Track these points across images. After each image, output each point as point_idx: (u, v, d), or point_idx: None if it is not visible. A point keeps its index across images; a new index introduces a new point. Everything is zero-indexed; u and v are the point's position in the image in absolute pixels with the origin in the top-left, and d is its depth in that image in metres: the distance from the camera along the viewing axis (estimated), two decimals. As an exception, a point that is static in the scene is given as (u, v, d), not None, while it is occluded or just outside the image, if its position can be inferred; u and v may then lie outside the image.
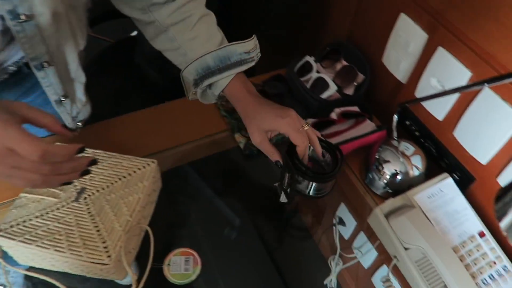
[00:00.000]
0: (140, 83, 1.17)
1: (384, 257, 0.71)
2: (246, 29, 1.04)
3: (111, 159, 0.68)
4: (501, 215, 0.38)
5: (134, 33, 1.27)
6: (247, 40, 0.68)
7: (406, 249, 0.64)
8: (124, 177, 0.66)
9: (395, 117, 0.79)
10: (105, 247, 0.57)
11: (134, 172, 0.67)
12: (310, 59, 0.92)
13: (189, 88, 0.72)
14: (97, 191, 0.64)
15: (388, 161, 0.75)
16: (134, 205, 0.63)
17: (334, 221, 0.75)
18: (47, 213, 0.61)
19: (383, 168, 0.75)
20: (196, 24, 0.67)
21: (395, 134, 0.79)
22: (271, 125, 0.62)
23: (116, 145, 0.79)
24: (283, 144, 0.69)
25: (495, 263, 0.66)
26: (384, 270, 0.70)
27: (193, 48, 0.67)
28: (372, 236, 0.73)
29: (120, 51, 1.31)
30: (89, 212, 0.62)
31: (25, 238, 0.57)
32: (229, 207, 0.77)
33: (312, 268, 0.72)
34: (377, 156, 0.76)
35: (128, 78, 1.15)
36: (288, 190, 0.66)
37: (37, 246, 0.57)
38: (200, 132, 0.84)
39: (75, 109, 0.70)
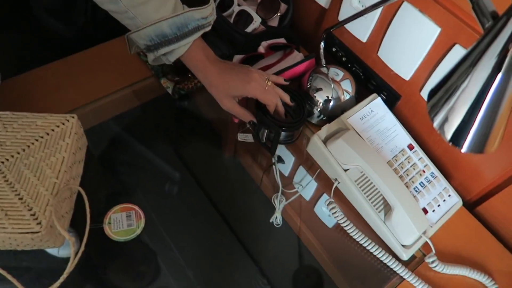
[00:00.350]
0: (43, 36, 1.04)
1: (324, 184, 0.73)
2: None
3: (21, 119, 0.60)
4: (434, 116, 0.39)
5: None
6: (205, 6, 0.64)
7: (345, 170, 0.66)
8: (42, 137, 0.59)
9: (322, 44, 0.79)
10: (33, 214, 0.52)
11: (53, 130, 0.60)
12: (229, -9, 0.87)
13: (133, 46, 0.67)
14: (12, 156, 0.57)
15: (320, 89, 0.75)
16: (59, 166, 0.57)
17: (273, 160, 0.75)
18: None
19: (316, 96, 0.75)
20: None
21: (323, 61, 0.79)
22: (238, 92, 0.65)
23: (26, 105, 0.71)
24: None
25: (424, 171, 0.70)
26: (324, 198, 0.72)
27: (143, 13, 0.60)
28: (311, 168, 0.75)
29: (13, 3, 1.14)
30: (6, 180, 0.55)
31: None
32: (164, 158, 0.74)
33: (256, 209, 0.72)
34: (308, 85, 0.76)
35: (28, 32, 1.02)
36: (270, 144, 0.71)
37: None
38: (121, 82, 0.77)
39: None
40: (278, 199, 0.70)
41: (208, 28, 0.66)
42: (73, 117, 0.62)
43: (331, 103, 0.74)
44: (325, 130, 0.69)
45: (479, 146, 0.38)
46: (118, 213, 0.63)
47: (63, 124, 0.61)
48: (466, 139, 0.38)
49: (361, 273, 0.66)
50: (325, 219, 0.70)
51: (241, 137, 0.76)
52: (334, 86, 0.74)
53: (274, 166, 0.74)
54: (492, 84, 0.36)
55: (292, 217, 0.70)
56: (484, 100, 0.37)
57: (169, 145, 0.77)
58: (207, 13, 0.65)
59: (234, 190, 0.74)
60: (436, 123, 0.39)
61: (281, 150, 0.76)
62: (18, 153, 0.58)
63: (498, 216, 0.69)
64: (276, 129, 0.68)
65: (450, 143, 0.39)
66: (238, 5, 0.85)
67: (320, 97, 0.75)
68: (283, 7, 0.87)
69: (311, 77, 0.76)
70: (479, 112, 0.38)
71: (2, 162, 0.56)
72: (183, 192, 0.71)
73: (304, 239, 0.68)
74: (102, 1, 0.60)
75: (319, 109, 0.75)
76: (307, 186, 0.73)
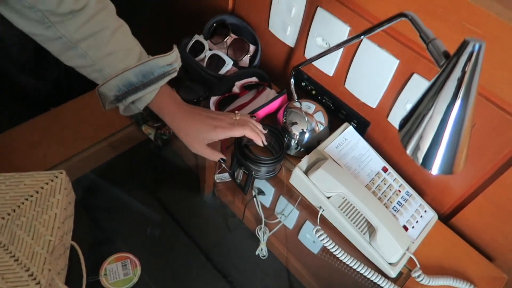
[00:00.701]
0: (14, 93, 1.05)
1: (307, 212, 0.76)
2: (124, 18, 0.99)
3: (8, 180, 0.61)
4: (406, 144, 0.44)
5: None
6: (169, 52, 0.67)
7: (328, 197, 0.70)
8: (31, 195, 0.60)
9: (292, 80, 0.84)
10: (31, 275, 0.52)
11: (42, 188, 0.61)
12: (199, 37, 0.92)
13: (106, 101, 0.68)
14: (2, 218, 0.57)
15: (295, 123, 0.79)
16: (52, 223, 0.57)
17: (253, 193, 0.77)
18: None
19: (292, 129, 0.79)
20: (111, 38, 0.61)
21: (295, 96, 0.84)
22: (207, 136, 0.68)
23: (8, 165, 0.71)
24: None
25: (400, 191, 0.75)
26: (308, 225, 0.75)
27: (110, 64, 0.62)
28: (292, 197, 0.78)
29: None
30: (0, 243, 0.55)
31: None
32: (149, 203, 0.74)
33: (241, 243, 0.73)
34: (284, 120, 0.80)
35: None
36: (245, 184, 0.74)
37: None
38: (102, 133, 0.79)
39: None
40: (262, 230, 0.72)
41: (174, 74, 0.68)
42: (61, 173, 0.63)
43: (307, 135, 0.79)
44: (305, 162, 0.73)
45: (448, 167, 0.43)
46: (113, 263, 0.64)
47: (52, 181, 0.62)
48: (435, 162, 0.43)
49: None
50: (310, 245, 0.73)
51: (218, 177, 0.79)
52: (308, 119, 0.79)
53: (255, 199, 0.77)
54: (452, 111, 0.41)
55: (277, 247, 0.72)
56: (447, 126, 0.42)
57: (152, 191, 0.77)
58: (171, 60, 0.67)
59: (217, 227, 0.75)
60: (408, 150, 0.44)
61: (261, 182, 0.79)
62: (9, 214, 0.58)
63: (471, 225, 0.75)
64: (250, 170, 0.73)
65: (423, 167, 0.44)
66: (209, 49, 0.90)
67: (296, 130, 0.79)
68: (252, 48, 0.92)
69: (285, 112, 0.81)
70: (443, 136, 0.43)
71: None
72: (170, 236, 0.71)
73: (291, 267, 0.70)
74: (69, 58, 0.62)
75: (296, 141, 0.80)
76: (289, 215, 0.76)
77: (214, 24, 0.94)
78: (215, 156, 0.70)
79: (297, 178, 0.72)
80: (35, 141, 0.76)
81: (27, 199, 0.60)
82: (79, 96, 0.85)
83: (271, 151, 0.80)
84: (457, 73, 0.39)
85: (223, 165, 0.74)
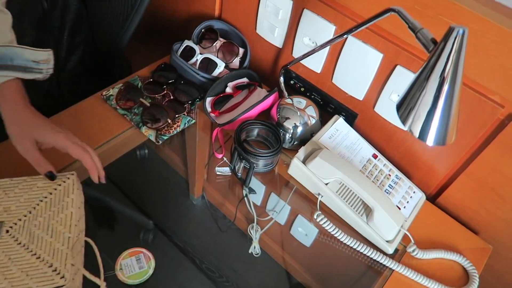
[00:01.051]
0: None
1: (297, 207, 0.79)
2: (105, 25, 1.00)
3: (21, 184, 0.62)
4: (404, 121, 0.49)
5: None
6: (41, 49, 0.64)
7: (326, 184, 0.74)
8: (45, 197, 0.62)
9: (281, 79, 0.89)
10: (54, 270, 0.54)
11: (55, 189, 0.63)
12: (189, 42, 0.96)
13: None
14: (19, 219, 0.59)
15: (288, 118, 0.84)
16: (69, 221, 0.59)
17: (244, 192, 0.79)
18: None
19: (286, 124, 0.84)
20: None
21: (285, 93, 0.89)
22: (45, 137, 0.60)
23: (11, 172, 0.72)
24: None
25: (390, 175, 0.81)
26: (300, 219, 0.77)
27: None
28: (282, 194, 0.81)
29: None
30: (19, 243, 0.56)
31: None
32: (141, 208, 0.75)
33: (233, 243, 0.73)
34: (278, 116, 0.85)
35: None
36: (245, 178, 0.77)
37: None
38: (104, 136, 0.81)
39: None
40: (254, 229, 0.74)
41: (39, 76, 0.65)
42: (72, 174, 0.65)
43: (300, 128, 0.84)
44: (302, 152, 0.77)
45: (442, 139, 0.48)
46: (128, 258, 0.66)
47: (64, 182, 0.64)
48: (429, 134, 0.49)
49: (348, 280, 0.72)
50: (303, 239, 0.75)
51: (219, 171, 0.82)
52: (301, 114, 0.84)
53: (246, 198, 0.78)
54: (442, 89, 0.47)
55: (269, 243, 0.73)
56: (439, 102, 0.48)
57: (143, 195, 0.77)
58: (40, 58, 0.64)
59: (208, 229, 0.75)
60: (406, 126, 0.49)
61: (252, 181, 0.80)
62: (25, 215, 0.59)
63: (456, 203, 0.81)
64: (251, 162, 0.75)
65: (419, 139, 0.49)
66: (200, 53, 0.94)
67: (289, 125, 0.84)
68: (241, 50, 0.97)
69: (279, 109, 0.86)
70: (435, 111, 0.48)
71: (11, 227, 0.58)
72: (162, 239, 0.71)
73: (284, 263, 0.72)
74: None
75: (290, 135, 0.84)
76: (281, 212, 0.78)
77: (203, 30, 0.98)
78: (42, 164, 0.60)
79: (296, 167, 0.77)
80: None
81: (41, 201, 0.61)
82: (72, 105, 0.85)
83: (268, 146, 0.84)
84: (445, 55, 0.45)
85: (225, 159, 0.78)
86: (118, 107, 0.84)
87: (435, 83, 0.47)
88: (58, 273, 0.54)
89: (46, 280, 0.53)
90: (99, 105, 0.85)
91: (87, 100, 0.86)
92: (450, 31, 0.45)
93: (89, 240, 0.62)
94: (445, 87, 0.47)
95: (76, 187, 0.64)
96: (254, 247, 0.72)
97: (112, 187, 0.78)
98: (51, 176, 0.61)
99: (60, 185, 0.63)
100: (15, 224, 0.58)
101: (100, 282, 0.57)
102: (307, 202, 0.79)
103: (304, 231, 0.76)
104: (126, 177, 0.81)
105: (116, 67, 1.07)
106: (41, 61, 0.64)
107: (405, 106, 0.49)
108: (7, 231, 0.57)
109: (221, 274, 0.69)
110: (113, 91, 0.86)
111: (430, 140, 0.48)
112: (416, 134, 0.49)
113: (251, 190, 0.80)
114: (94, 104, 0.85)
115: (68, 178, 0.64)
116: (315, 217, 0.74)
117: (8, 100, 0.61)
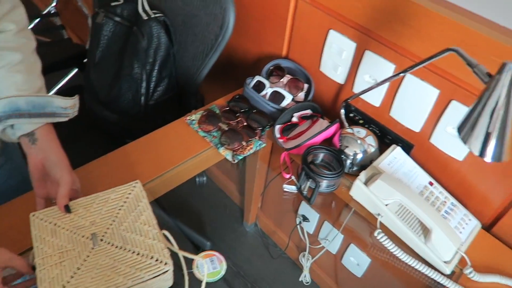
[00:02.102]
0: (98, 127, 1.21)
1: (350, 237, 0.83)
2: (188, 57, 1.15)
3: (97, 199, 0.71)
4: (465, 141, 0.57)
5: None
6: (69, 98, 0.70)
7: (386, 205, 0.81)
8: (122, 206, 0.70)
9: (342, 111, 0.99)
10: (157, 260, 0.63)
11: (127, 198, 0.71)
12: (260, 78, 1.08)
13: None
14: (108, 228, 0.68)
15: (349, 146, 0.93)
16: (150, 221, 0.68)
17: (297, 221, 0.84)
18: (78, 268, 0.62)
19: (347, 151, 0.92)
20: (17, 64, 0.66)
21: (346, 124, 0.98)
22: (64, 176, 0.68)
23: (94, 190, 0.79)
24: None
25: (445, 202, 0.87)
26: (352, 249, 0.80)
27: (4, 86, 0.65)
28: (336, 222, 0.85)
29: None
30: (116, 246, 0.65)
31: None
32: (202, 226, 0.82)
33: (284, 271, 0.76)
34: (340, 144, 0.94)
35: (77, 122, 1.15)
36: (311, 196, 0.83)
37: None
38: (188, 154, 0.93)
39: None
40: (305, 257, 0.77)
41: (65, 119, 0.70)
42: (137, 183, 0.74)
43: (360, 156, 0.92)
44: (363, 175, 0.85)
45: (498, 156, 0.56)
46: (202, 259, 0.75)
47: (132, 190, 0.73)
48: (487, 152, 0.56)
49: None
50: (354, 269, 0.78)
51: (286, 188, 0.91)
52: (361, 142, 0.93)
53: (299, 226, 0.83)
54: (497, 114, 0.55)
55: (319, 273, 0.76)
56: (495, 125, 0.55)
57: (199, 217, 0.84)
58: (68, 104, 0.69)
59: (259, 257, 0.78)
60: (468, 145, 0.57)
61: (305, 209, 0.86)
62: (111, 224, 0.68)
63: (511, 232, 0.85)
64: (317, 181, 0.83)
65: (479, 156, 0.57)
66: (270, 87, 1.06)
67: (350, 152, 0.92)
68: (305, 86, 1.08)
69: (341, 137, 0.95)
70: (492, 133, 0.56)
71: (103, 236, 0.67)
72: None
73: None
74: None
75: (351, 161, 0.93)
76: (333, 240, 0.81)
77: (271, 67, 1.11)
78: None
79: (358, 188, 0.84)
80: (128, 163, 0.89)
81: (120, 209, 0.70)
82: (154, 130, 0.98)
83: (330, 170, 0.93)
84: (500, 85, 0.53)
85: (293, 178, 0.87)
86: (199, 130, 0.97)
87: (491, 108, 0.55)
88: (161, 262, 0.64)
89: (154, 269, 0.63)
90: (184, 128, 0.98)
91: (174, 123, 0.99)
92: (503, 65, 0.53)
93: (168, 234, 0.70)
94: (501, 112, 0.54)
95: (143, 194, 0.73)
96: (305, 276, 0.75)
97: (175, 209, 0.85)
98: (67, 209, 0.68)
99: (130, 193, 0.72)
100: (106, 233, 0.67)
101: (198, 257, 0.65)
102: (365, 224, 0.85)
103: (356, 261, 0.79)
104: (188, 200, 0.88)
105: (192, 98, 1.22)
106: (69, 107, 0.69)
107: (466, 129, 0.57)
108: (101, 239, 0.66)
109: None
110: (195, 116, 1.00)
111: (488, 157, 0.56)
112: (476, 152, 0.57)
113: (305, 218, 0.86)
114: (179, 127, 0.98)
115: (135, 187, 0.73)
116: (375, 234, 0.80)
117: (52, 146, 0.69)
